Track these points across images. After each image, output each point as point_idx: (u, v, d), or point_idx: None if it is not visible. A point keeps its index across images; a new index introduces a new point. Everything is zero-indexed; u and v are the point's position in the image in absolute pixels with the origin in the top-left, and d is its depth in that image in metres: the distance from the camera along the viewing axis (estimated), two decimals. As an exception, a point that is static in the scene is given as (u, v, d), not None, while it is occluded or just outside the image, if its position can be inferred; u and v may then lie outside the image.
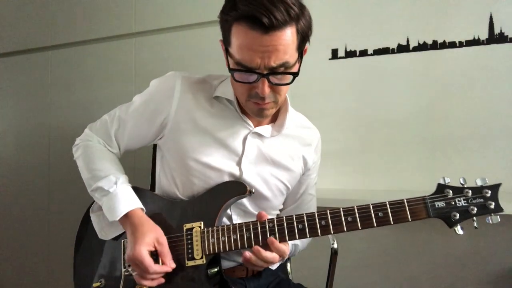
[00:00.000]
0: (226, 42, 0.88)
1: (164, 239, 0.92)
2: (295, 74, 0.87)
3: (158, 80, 1.05)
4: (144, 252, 0.87)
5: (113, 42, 1.96)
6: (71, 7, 2.04)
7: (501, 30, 1.40)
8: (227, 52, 0.88)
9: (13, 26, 2.18)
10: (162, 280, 0.91)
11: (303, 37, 0.86)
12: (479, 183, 0.83)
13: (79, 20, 2.02)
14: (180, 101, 1.00)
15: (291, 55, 0.84)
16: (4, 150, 2.22)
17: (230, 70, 0.86)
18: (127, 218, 0.93)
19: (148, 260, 0.87)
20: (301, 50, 0.88)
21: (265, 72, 0.83)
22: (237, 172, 0.99)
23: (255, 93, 0.87)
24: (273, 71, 0.83)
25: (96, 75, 1.99)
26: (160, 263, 0.90)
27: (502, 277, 1.37)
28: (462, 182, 0.83)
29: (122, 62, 1.94)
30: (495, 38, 1.40)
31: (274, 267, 1.10)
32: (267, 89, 0.85)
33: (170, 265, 0.91)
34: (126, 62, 1.92)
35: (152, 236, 0.90)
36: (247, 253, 0.87)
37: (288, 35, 0.82)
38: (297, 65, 0.88)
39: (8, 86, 2.21)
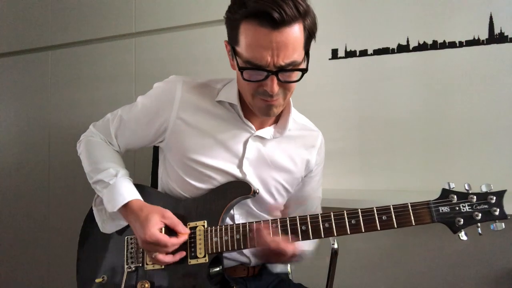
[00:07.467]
0: (233, 41, 0.87)
1: (168, 213, 0.94)
2: (304, 71, 0.87)
3: (160, 83, 1.05)
4: (156, 232, 0.88)
5: (113, 42, 1.96)
6: (71, 7, 2.04)
7: (501, 30, 1.40)
8: (234, 51, 0.87)
9: (13, 26, 2.18)
10: (183, 253, 0.92)
11: (310, 34, 0.87)
12: (484, 189, 0.82)
13: (79, 20, 2.02)
14: (181, 105, 1.00)
15: (299, 54, 0.84)
16: (4, 150, 2.21)
17: (240, 69, 0.85)
18: (126, 208, 0.94)
19: (163, 237, 0.89)
20: (307, 49, 0.88)
21: (274, 70, 0.83)
22: (239, 175, 1.00)
23: (263, 91, 0.87)
24: (282, 68, 0.83)
25: (96, 75, 1.99)
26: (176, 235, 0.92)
27: (502, 277, 1.38)
28: (467, 187, 0.83)
29: (122, 62, 1.94)
30: (495, 38, 1.40)
31: (275, 269, 1.11)
32: (276, 87, 0.85)
33: (185, 231, 0.93)
34: (126, 62, 1.92)
35: (156, 216, 0.91)
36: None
37: (296, 32, 0.82)
38: (304, 63, 0.88)
39: (8, 86, 2.20)
